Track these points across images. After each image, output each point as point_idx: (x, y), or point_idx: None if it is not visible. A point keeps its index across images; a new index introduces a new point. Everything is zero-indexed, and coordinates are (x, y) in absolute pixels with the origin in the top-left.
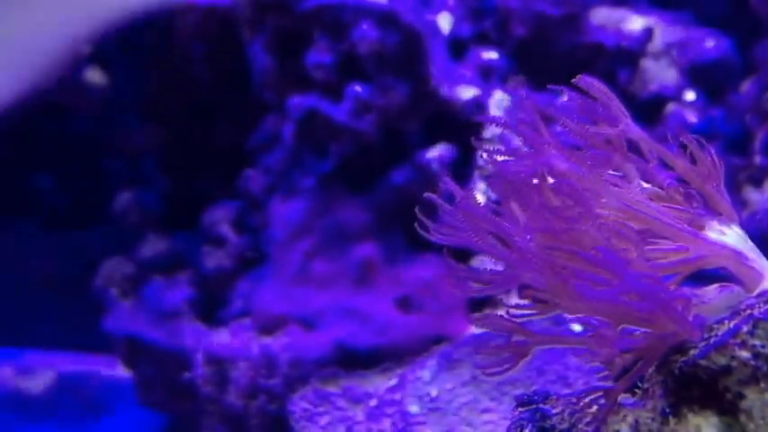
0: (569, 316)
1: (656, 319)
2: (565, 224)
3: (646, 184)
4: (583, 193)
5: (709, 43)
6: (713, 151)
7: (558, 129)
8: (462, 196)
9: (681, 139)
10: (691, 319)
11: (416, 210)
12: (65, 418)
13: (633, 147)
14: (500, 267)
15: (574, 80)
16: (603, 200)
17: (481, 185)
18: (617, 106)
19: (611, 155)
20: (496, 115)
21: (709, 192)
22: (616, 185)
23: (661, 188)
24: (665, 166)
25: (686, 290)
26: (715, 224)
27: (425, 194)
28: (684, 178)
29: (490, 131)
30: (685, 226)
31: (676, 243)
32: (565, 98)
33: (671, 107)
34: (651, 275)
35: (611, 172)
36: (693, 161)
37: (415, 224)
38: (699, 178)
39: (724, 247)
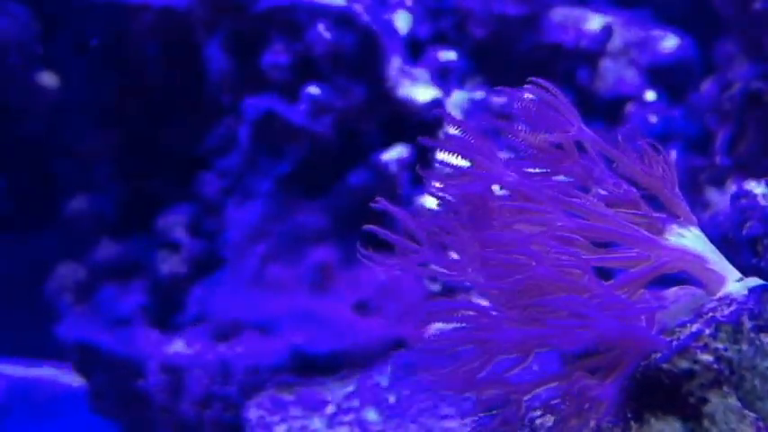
0: None
1: (620, 345)
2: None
3: (602, 191)
4: (526, 245)
5: (669, 42)
6: (667, 155)
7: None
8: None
9: (636, 143)
10: (654, 330)
11: (368, 225)
12: (15, 427)
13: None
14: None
15: (527, 83)
16: (558, 222)
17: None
18: (570, 112)
19: (567, 163)
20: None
21: (665, 195)
22: (572, 195)
23: (618, 193)
24: (621, 170)
25: (648, 296)
26: (674, 228)
27: (378, 199)
28: (641, 183)
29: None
30: (644, 233)
31: (636, 251)
32: (520, 103)
33: (631, 107)
34: (612, 302)
35: (564, 178)
36: (649, 165)
37: (374, 223)
38: (655, 182)
39: (684, 251)
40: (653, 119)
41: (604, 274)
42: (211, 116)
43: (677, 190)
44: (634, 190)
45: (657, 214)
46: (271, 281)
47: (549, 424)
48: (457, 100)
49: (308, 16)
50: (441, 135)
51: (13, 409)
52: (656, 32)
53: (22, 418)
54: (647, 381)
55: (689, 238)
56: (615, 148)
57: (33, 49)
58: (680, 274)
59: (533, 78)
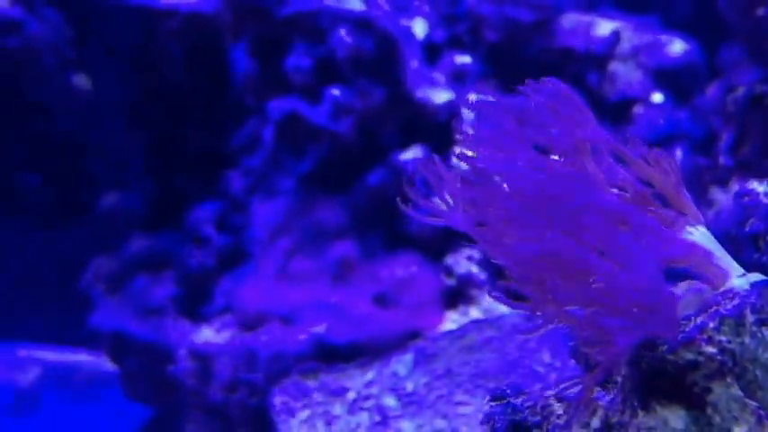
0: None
1: (646, 314)
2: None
3: (614, 190)
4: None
5: (676, 47)
6: (673, 156)
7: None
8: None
9: (643, 144)
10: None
11: (405, 189)
12: (53, 411)
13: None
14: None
15: (541, 83)
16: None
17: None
18: (584, 110)
19: (580, 159)
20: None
21: (673, 194)
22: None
23: (629, 190)
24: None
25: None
26: (682, 224)
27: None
28: (649, 181)
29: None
30: (662, 225)
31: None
32: (533, 103)
33: (638, 109)
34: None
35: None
36: (657, 164)
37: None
38: (663, 181)
39: (693, 246)
40: (660, 120)
41: None
42: (237, 117)
43: (684, 189)
44: (644, 187)
45: (667, 211)
46: (294, 274)
47: (559, 412)
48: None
49: (330, 22)
50: (457, 135)
51: (48, 394)
52: (664, 37)
53: (56, 402)
54: (653, 371)
55: (696, 235)
56: (625, 148)
57: (66, 51)
58: (682, 270)
59: (548, 79)
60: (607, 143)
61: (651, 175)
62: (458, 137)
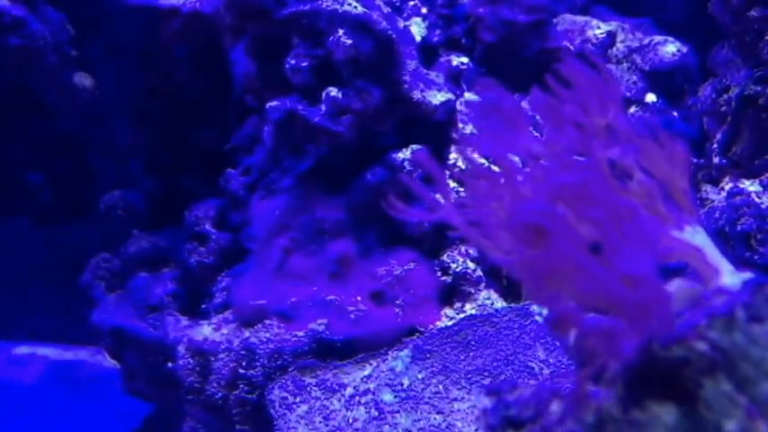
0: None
1: (639, 311)
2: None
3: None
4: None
5: (669, 48)
6: (685, 149)
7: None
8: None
9: (656, 136)
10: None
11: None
12: (54, 407)
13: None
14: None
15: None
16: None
17: (451, 184)
18: (614, 92)
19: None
20: (467, 125)
21: (676, 189)
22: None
23: (629, 180)
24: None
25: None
26: (678, 221)
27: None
28: (654, 174)
29: (461, 132)
30: (656, 220)
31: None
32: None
33: (633, 109)
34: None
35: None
36: (668, 158)
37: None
38: (668, 175)
39: (687, 243)
40: (653, 120)
41: None
42: (237, 116)
43: (688, 185)
44: (650, 180)
45: (665, 205)
46: (292, 271)
47: (553, 407)
48: (468, 101)
49: (329, 23)
50: (455, 134)
51: (49, 391)
52: (658, 39)
53: (57, 399)
54: (645, 368)
55: (691, 233)
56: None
57: (69, 51)
58: (675, 267)
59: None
60: (624, 132)
61: (659, 170)
62: (455, 136)
